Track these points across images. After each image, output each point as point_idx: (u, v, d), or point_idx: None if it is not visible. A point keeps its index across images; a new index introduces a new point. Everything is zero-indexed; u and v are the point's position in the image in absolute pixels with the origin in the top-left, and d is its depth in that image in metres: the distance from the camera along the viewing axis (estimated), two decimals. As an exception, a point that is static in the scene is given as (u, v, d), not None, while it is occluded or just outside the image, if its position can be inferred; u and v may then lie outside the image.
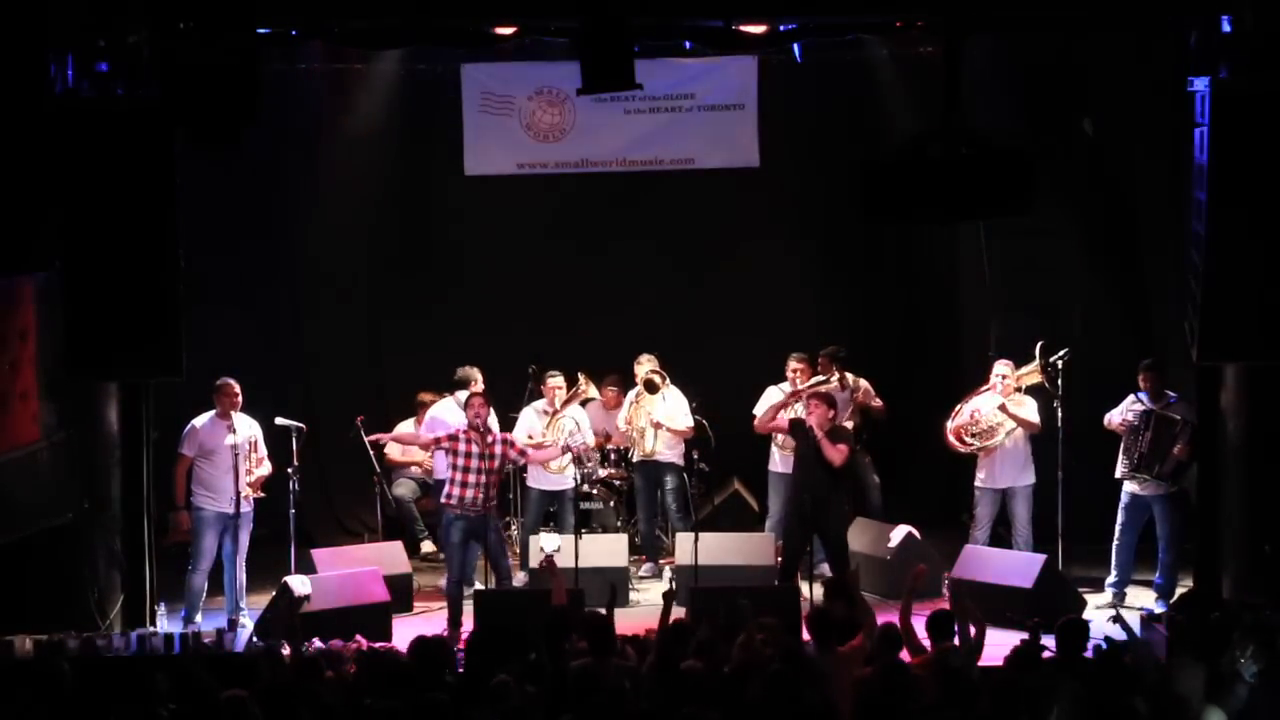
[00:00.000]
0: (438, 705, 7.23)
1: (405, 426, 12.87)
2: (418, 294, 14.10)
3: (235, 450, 11.03)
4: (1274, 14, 9.88)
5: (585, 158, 13.58)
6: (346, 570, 11.27)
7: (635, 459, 12.74)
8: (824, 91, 13.58)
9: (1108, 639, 8.71)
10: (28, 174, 9.37)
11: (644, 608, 11.46)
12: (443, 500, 11.27)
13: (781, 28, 11.44)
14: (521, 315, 13.97)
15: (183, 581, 11.20)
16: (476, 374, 12.27)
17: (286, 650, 9.22)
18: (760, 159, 13.44)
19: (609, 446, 12.88)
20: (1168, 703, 7.31)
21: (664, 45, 12.23)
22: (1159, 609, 10.87)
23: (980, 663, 8.43)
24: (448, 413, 12.21)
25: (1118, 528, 11.60)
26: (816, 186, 13.77)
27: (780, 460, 12.35)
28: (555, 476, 12.39)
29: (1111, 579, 11.63)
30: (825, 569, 11.38)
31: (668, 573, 12.29)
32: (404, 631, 10.37)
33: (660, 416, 12.50)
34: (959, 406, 12.02)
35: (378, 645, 9.74)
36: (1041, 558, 11.24)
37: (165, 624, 10.91)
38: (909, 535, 11.90)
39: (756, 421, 11.98)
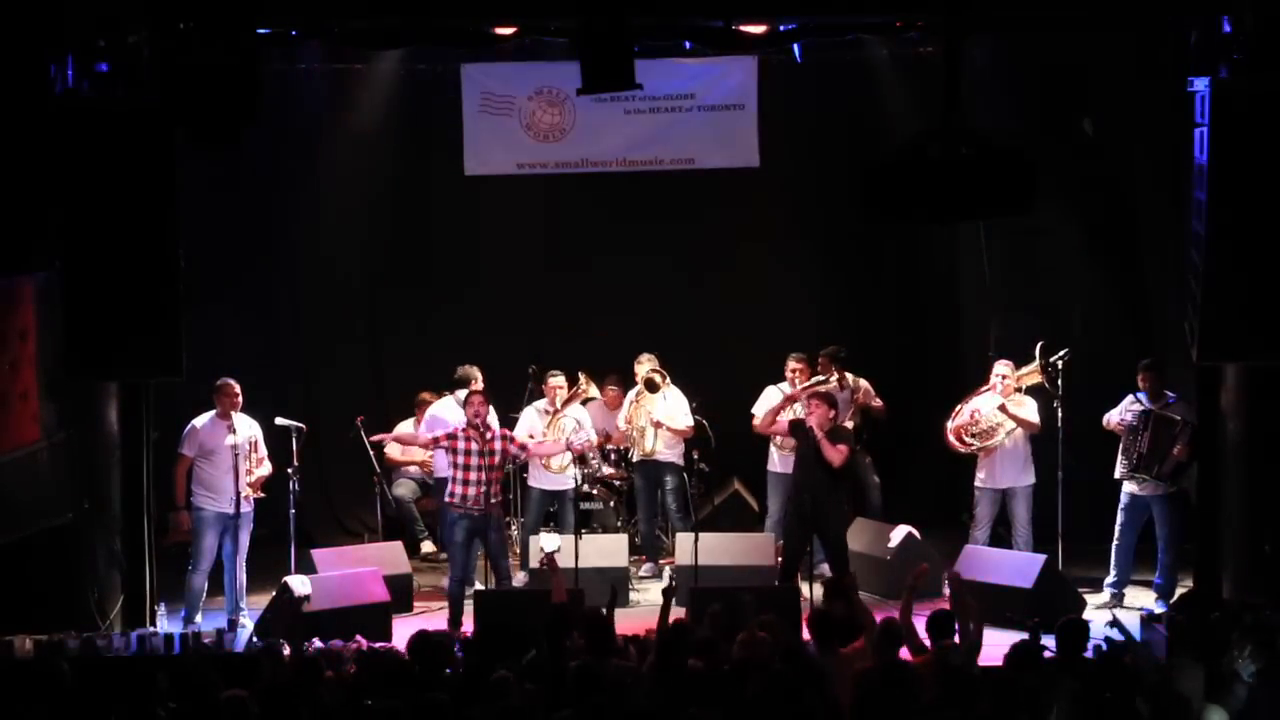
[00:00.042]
0: (438, 705, 7.23)
1: (405, 426, 12.87)
2: (418, 294, 14.09)
3: (235, 450, 11.03)
4: (1274, 14, 9.88)
5: (585, 158, 13.57)
6: (346, 570, 11.27)
7: (635, 459, 12.75)
8: (824, 91, 13.57)
9: (1108, 639, 8.71)
10: (28, 174, 9.39)
11: (644, 608, 11.46)
12: (445, 499, 11.28)
13: (781, 28, 11.45)
14: (521, 315, 13.97)
15: (183, 581, 11.20)
16: (476, 373, 12.27)
17: (286, 650, 9.22)
18: (760, 159, 13.43)
19: (609, 446, 12.88)
20: (1168, 703, 7.31)
21: (664, 45, 12.22)
22: (1159, 609, 10.87)
23: (980, 662, 8.43)
24: (447, 411, 12.21)
25: (1117, 528, 11.59)
26: (816, 186, 13.76)
27: (779, 460, 12.35)
28: (556, 476, 12.40)
29: (1110, 579, 11.62)
30: (825, 569, 11.38)
31: (668, 573, 12.30)
32: (404, 631, 10.35)
33: (660, 416, 12.50)
34: (959, 407, 12.02)
35: (378, 645, 9.74)
36: (1041, 558, 11.24)
37: (165, 624, 10.91)
38: (909, 535, 11.90)
39: (757, 425, 11.99)
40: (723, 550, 11.70)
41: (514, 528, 12.89)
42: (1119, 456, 11.54)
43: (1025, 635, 8.37)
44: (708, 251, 14.09)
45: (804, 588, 11.09)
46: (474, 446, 11.08)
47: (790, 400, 11.95)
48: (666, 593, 9.08)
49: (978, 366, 12.50)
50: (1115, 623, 9.56)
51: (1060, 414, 11.69)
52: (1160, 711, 7.28)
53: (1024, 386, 11.96)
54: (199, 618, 11.09)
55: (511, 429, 11.95)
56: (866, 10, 11.34)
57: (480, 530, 11.16)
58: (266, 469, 11.38)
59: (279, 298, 13.79)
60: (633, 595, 11.92)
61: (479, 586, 11.61)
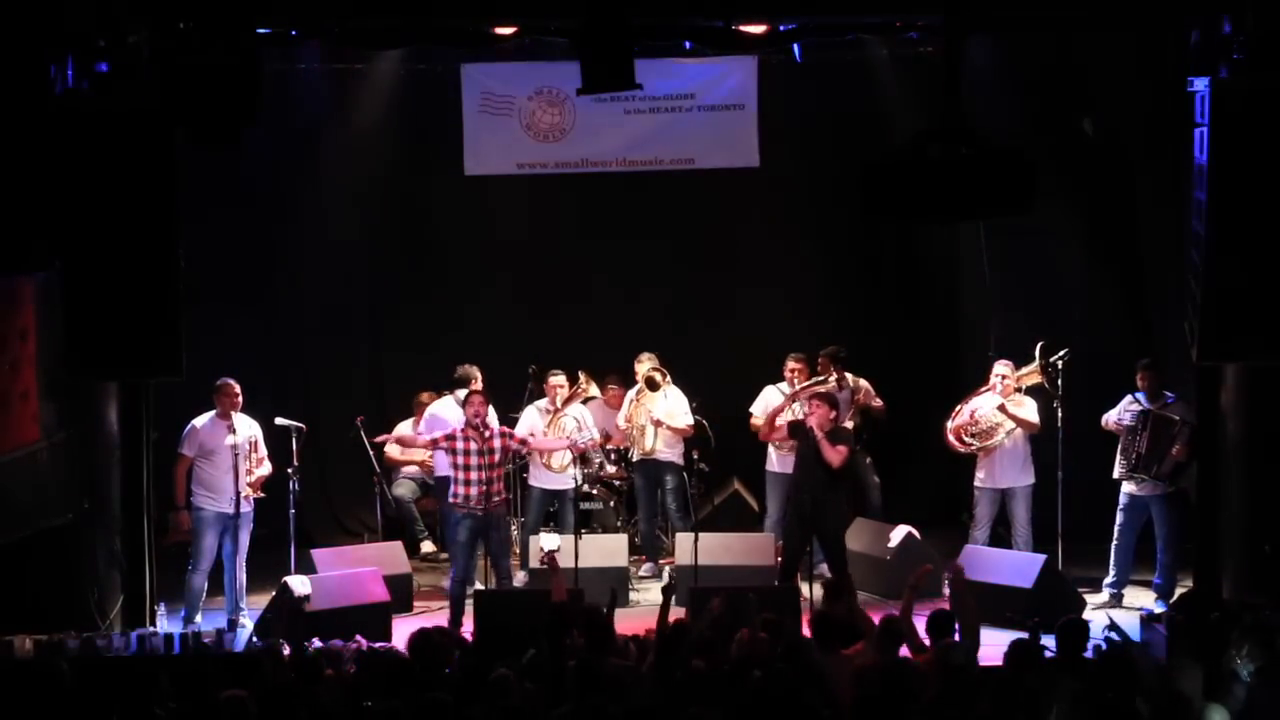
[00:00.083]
0: (438, 704, 7.24)
1: (404, 426, 12.87)
2: (418, 294, 14.10)
3: (235, 450, 11.04)
4: (1274, 14, 9.87)
5: (585, 158, 13.58)
6: (346, 570, 11.27)
7: (635, 458, 12.75)
8: (824, 91, 13.57)
9: (1108, 640, 8.72)
10: (28, 174, 9.38)
11: (644, 608, 11.46)
12: (450, 500, 11.30)
13: (781, 28, 11.45)
14: (521, 315, 13.98)
15: (183, 581, 11.21)
16: (476, 372, 12.27)
17: (286, 650, 9.22)
18: (760, 159, 13.44)
19: (609, 446, 12.89)
20: (1168, 703, 7.31)
21: (664, 45, 12.22)
22: (1158, 609, 10.86)
23: (980, 662, 8.43)
24: (447, 411, 12.21)
25: (1116, 528, 11.59)
26: (816, 186, 13.77)
27: (777, 460, 12.35)
28: (556, 476, 12.40)
29: (1110, 579, 11.62)
30: (825, 569, 11.38)
31: (667, 573, 12.30)
32: (404, 631, 10.35)
33: (660, 414, 12.50)
34: (959, 407, 12.03)
35: (378, 645, 9.74)
36: (1041, 558, 11.24)
37: (165, 624, 10.91)
38: (909, 535, 11.90)
39: (760, 433, 12.04)
40: (723, 550, 11.70)
41: (514, 528, 12.90)
42: (1117, 456, 11.54)
43: (1025, 635, 8.38)
44: (708, 251, 14.09)
45: (804, 588, 11.09)
46: (473, 446, 11.09)
47: (790, 400, 11.96)
48: (666, 591, 9.08)
49: (978, 366, 12.50)
50: (1113, 626, 9.58)
51: (1060, 414, 11.69)
52: (1160, 711, 7.28)
53: (1024, 386, 11.96)
54: (199, 618, 11.10)
55: (512, 429, 11.95)
56: (866, 10, 11.34)
57: (484, 529, 11.18)
58: (266, 469, 11.38)
59: (279, 298, 13.79)
60: (633, 595, 11.92)
61: (479, 586, 11.61)
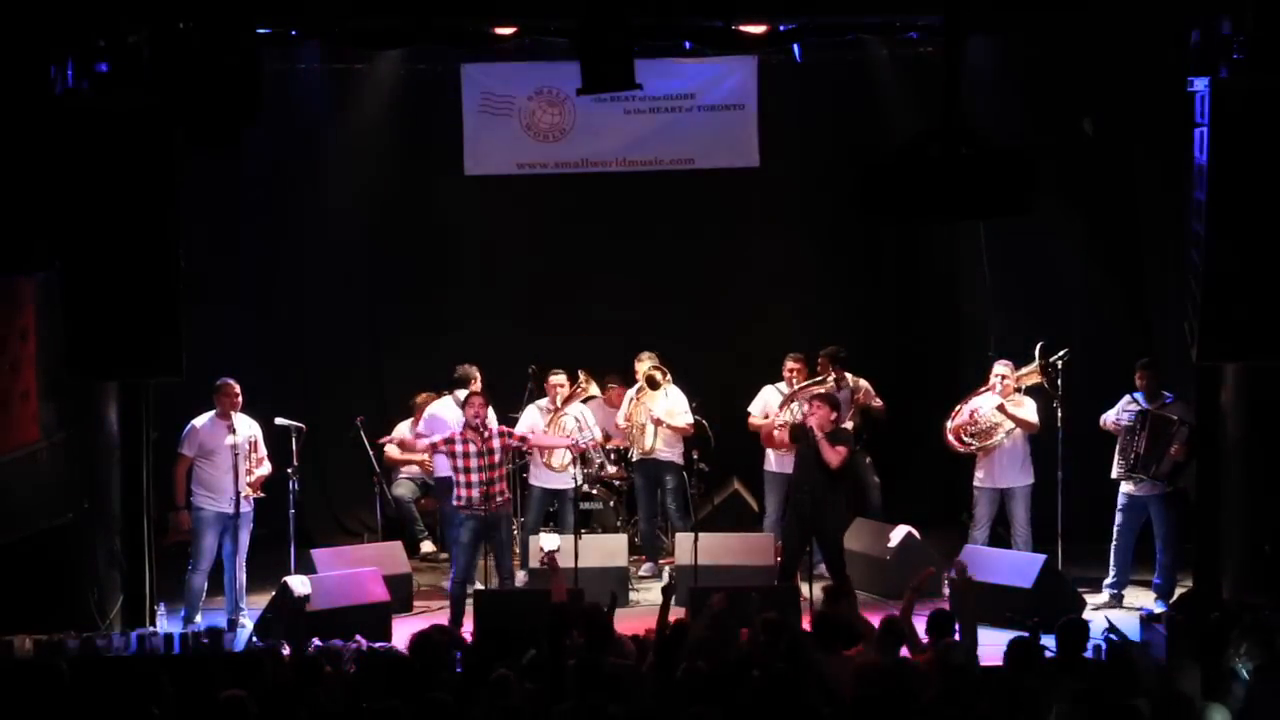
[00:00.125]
0: (439, 704, 7.24)
1: (402, 428, 12.87)
2: (417, 294, 14.09)
3: (235, 450, 11.04)
4: (1274, 14, 9.87)
5: (585, 158, 13.58)
6: (346, 570, 11.27)
7: (635, 458, 12.75)
8: (824, 91, 13.57)
9: (1108, 640, 8.72)
10: (28, 174, 9.38)
11: (644, 608, 11.46)
12: (454, 503, 11.30)
13: (781, 28, 11.45)
14: (521, 315, 13.97)
15: (183, 581, 11.21)
16: (475, 372, 12.28)
17: (286, 650, 9.22)
18: (760, 159, 13.44)
19: (609, 446, 12.89)
20: (1168, 703, 7.31)
21: (664, 45, 12.22)
22: (1158, 609, 10.86)
23: (980, 662, 8.43)
24: (446, 411, 12.21)
25: (1115, 528, 11.59)
26: (816, 186, 13.76)
27: (775, 460, 12.35)
28: (557, 475, 12.40)
29: (1109, 580, 11.62)
30: (825, 569, 11.39)
31: (667, 573, 12.30)
32: (404, 631, 10.36)
33: (660, 413, 12.50)
34: (958, 407, 12.03)
35: (378, 645, 9.74)
36: (1041, 558, 11.24)
37: (165, 624, 10.91)
38: (909, 535, 11.90)
39: (763, 439, 12.00)
40: (722, 550, 11.70)
41: (514, 528, 12.89)
42: (1116, 457, 11.54)
43: (1025, 635, 8.38)
44: (707, 251, 14.09)
45: (804, 588, 11.09)
46: (473, 449, 11.10)
47: (788, 401, 11.95)
48: (666, 591, 9.08)
49: (977, 366, 12.50)
50: (1112, 629, 9.58)
51: (1060, 414, 11.69)
52: (1160, 711, 7.28)
53: (1023, 386, 11.96)
54: (199, 618, 11.10)
55: (512, 428, 11.95)
56: (866, 10, 11.35)
57: (488, 530, 11.19)
58: (266, 469, 11.38)
59: (279, 298, 13.79)
60: (633, 595, 11.92)
61: (479, 586, 11.61)
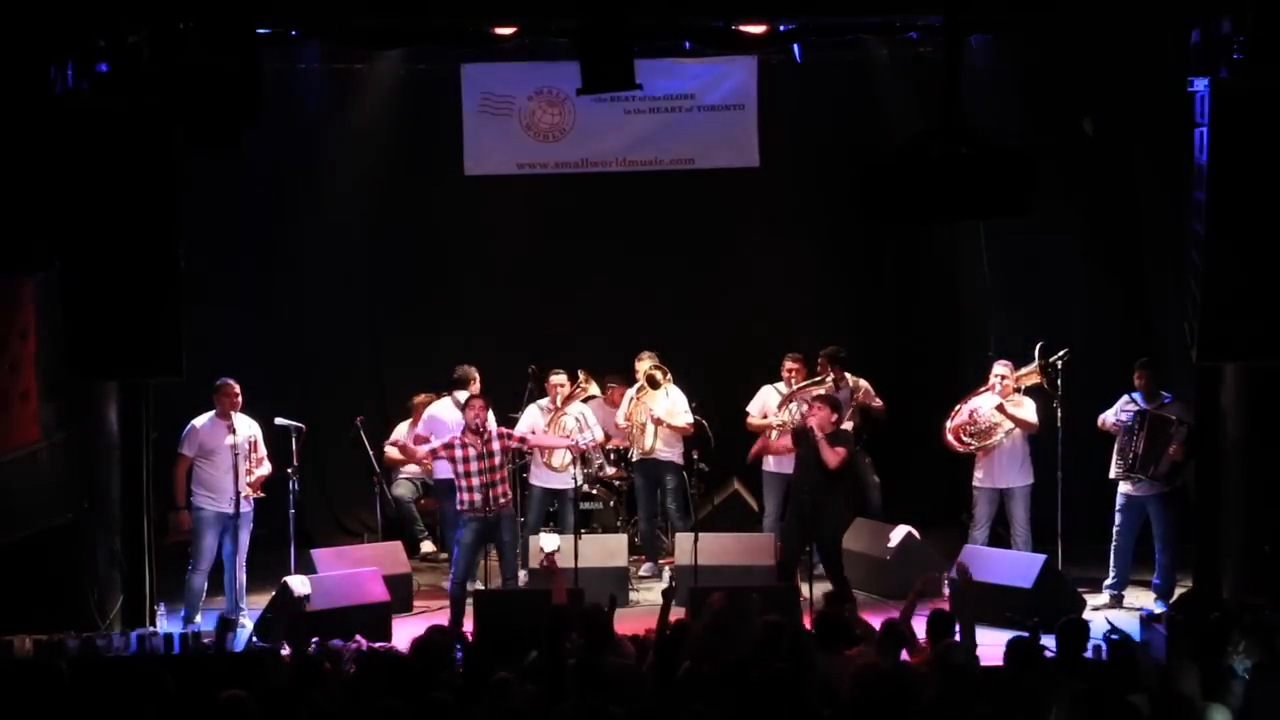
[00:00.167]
0: (439, 705, 7.24)
1: (402, 429, 12.87)
2: (417, 294, 14.10)
3: (235, 450, 11.04)
4: (1274, 14, 9.87)
5: (585, 158, 13.58)
6: (346, 570, 11.27)
7: (635, 458, 12.75)
8: (824, 91, 13.57)
9: (1109, 640, 8.71)
10: (28, 174, 9.37)
11: (644, 608, 11.46)
12: (457, 506, 11.30)
13: (781, 28, 11.47)
14: (521, 315, 13.96)
15: (183, 581, 11.20)
16: (474, 373, 12.28)
17: (286, 650, 9.21)
18: (760, 159, 13.44)
19: (608, 446, 12.89)
20: (1168, 703, 7.31)
21: (664, 45, 12.23)
22: (1158, 609, 10.87)
23: (980, 662, 8.43)
24: (446, 412, 12.22)
25: (1114, 529, 11.59)
26: (816, 186, 13.76)
27: (774, 460, 12.35)
28: (557, 475, 12.39)
29: (1109, 580, 11.62)
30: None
31: (667, 573, 12.30)
32: (404, 631, 10.37)
33: (660, 412, 12.49)
34: (958, 407, 12.03)
35: (378, 645, 9.74)
36: (1041, 558, 11.24)
37: (165, 624, 10.91)
38: (909, 535, 11.90)
39: (762, 449, 12.02)
40: (722, 550, 11.70)
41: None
42: (1114, 457, 11.54)
43: (1025, 634, 8.38)
44: (708, 251, 14.09)
45: (803, 588, 11.09)
46: (473, 452, 11.09)
47: (786, 401, 11.95)
48: (666, 594, 9.08)
49: (977, 366, 12.50)
50: (1113, 630, 9.58)
51: (1060, 414, 11.69)
52: (1160, 711, 7.28)
53: (1023, 387, 11.96)
54: (199, 618, 11.09)
55: (512, 429, 11.96)
56: (866, 10, 11.35)
57: (490, 531, 11.18)
58: (266, 469, 11.38)
59: (279, 298, 13.79)
60: (633, 595, 11.92)
61: (479, 586, 11.61)
